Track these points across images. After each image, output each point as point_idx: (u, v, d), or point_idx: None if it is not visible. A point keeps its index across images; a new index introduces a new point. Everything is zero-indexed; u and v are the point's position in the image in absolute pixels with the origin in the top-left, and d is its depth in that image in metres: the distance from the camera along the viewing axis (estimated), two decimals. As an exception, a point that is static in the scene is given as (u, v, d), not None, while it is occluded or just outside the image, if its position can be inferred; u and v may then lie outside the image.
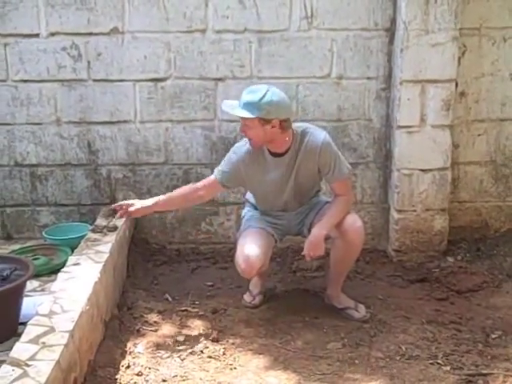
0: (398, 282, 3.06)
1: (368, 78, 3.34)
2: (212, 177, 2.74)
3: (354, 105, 3.37)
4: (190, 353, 2.45)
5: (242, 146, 2.69)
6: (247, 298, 2.92)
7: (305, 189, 2.77)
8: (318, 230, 2.63)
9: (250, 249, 2.66)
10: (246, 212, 2.93)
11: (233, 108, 2.58)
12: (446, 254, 3.32)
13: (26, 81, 3.33)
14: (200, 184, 2.76)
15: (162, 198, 2.79)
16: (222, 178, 2.70)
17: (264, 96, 2.50)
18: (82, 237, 3.00)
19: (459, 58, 3.22)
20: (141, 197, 3.44)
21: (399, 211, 3.32)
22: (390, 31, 3.27)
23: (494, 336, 2.55)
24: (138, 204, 2.73)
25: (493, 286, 3.01)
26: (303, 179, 2.71)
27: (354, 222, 2.69)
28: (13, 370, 1.98)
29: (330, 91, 3.35)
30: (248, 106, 2.52)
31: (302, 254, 2.68)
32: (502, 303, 2.85)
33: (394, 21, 3.25)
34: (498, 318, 2.71)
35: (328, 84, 3.35)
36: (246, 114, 2.52)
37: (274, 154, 2.66)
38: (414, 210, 3.30)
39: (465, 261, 3.26)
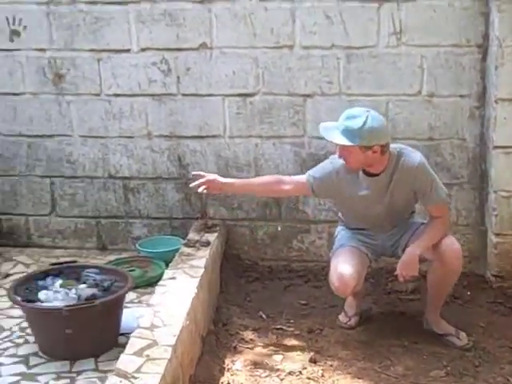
0: (499, 310, 2.94)
1: (461, 96, 3.26)
2: (303, 177, 2.74)
3: (446, 123, 3.29)
4: (289, 373, 2.44)
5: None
6: (342, 318, 2.89)
7: (398, 210, 2.73)
8: (412, 250, 2.59)
9: (344, 267, 2.64)
10: (340, 231, 2.91)
11: (332, 133, 2.56)
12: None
13: (118, 95, 3.41)
14: (288, 179, 2.79)
15: (243, 180, 2.92)
16: (312, 183, 2.71)
17: (365, 123, 2.48)
18: (175, 250, 3.04)
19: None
20: (232, 212, 3.49)
21: (498, 235, 3.20)
22: (483, 48, 3.19)
23: None
24: (218, 178, 2.80)
25: None
26: (398, 200, 2.67)
27: (451, 244, 2.64)
28: (120, 382, 2.02)
29: (421, 109, 3.29)
30: (348, 132, 2.50)
31: (395, 273, 2.65)
32: None
33: (486, 37, 3.16)
34: None
35: (419, 101, 3.28)
36: (347, 142, 2.50)
37: (368, 174, 2.64)
38: (515, 234, 3.19)
39: None
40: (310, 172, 2.74)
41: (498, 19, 3.02)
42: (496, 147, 3.14)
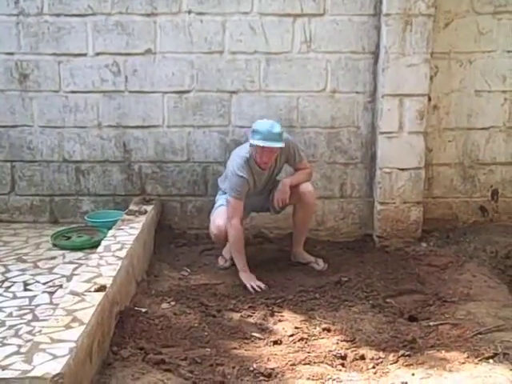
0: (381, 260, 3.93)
1: (357, 93, 4.21)
2: (236, 203, 3.53)
3: (344, 115, 4.25)
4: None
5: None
6: (221, 261, 3.86)
7: (274, 178, 3.80)
8: (285, 181, 3.69)
9: (221, 220, 3.59)
10: (219, 197, 3.84)
11: (274, 143, 3.50)
12: (420, 240, 4.14)
13: (74, 92, 4.26)
14: (236, 220, 3.54)
15: (243, 258, 3.62)
16: (241, 197, 3.57)
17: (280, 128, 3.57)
18: (117, 221, 3.85)
19: (432, 77, 4.08)
20: (166, 189, 4.36)
21: (381, 203, 4.15)
22: (375, 54, 4.13)
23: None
24: None
25: (457, 265, 3.80)
26: (275, 173, 3.81)
27: (307, 186, 3.75)
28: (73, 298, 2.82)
29: (325, 103, 4.23)
30: (280, 137, 3.53)
31: (272, 201, 3.68)
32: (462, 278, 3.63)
33: (378, 46, 4.10)
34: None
35: (323, 97, 4.22)
36: (282, 144, 3.54)
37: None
38: (394, 203, 4.13)
39: (436, 246, 4.05)
40: (233, 193, 3.54)
41: (386, 31, 3.96)
42: (381, 133, 4.10)
